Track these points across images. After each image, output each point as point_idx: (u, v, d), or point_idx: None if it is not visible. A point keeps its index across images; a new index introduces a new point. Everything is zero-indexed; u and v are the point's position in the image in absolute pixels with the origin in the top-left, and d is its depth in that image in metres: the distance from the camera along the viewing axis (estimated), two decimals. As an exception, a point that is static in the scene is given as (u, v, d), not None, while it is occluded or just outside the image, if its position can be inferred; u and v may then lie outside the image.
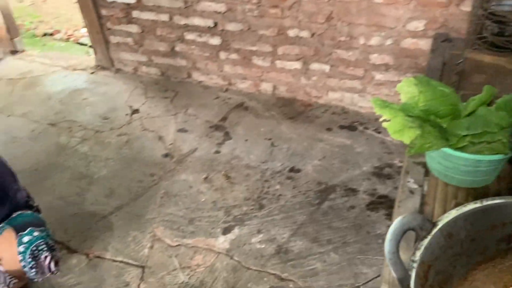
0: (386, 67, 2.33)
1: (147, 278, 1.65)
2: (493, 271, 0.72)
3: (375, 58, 2.32)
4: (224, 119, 2.59)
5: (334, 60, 2.45)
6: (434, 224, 0.70)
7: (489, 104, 1.11)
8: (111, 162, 2.29)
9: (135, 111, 2.73)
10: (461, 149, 1.03)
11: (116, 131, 2.54)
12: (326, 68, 2.50)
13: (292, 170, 2.16)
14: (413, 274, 0.63)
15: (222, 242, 1.78)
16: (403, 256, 0.68)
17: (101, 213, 1.97)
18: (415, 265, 0.65)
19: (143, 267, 1.69)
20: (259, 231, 1.81)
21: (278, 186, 2.06)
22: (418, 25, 2.10)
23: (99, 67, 3.25)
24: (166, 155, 2.31)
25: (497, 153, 1.01)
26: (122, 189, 2.10)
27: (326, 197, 1.96)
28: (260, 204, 1.94)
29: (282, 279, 1.61)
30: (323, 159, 2.21)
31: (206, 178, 2.14)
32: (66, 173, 2.22)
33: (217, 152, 2.32)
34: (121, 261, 1.73)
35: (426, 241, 0.68)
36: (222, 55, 2.74)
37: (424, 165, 1.28)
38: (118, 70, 3.19)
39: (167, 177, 2.16)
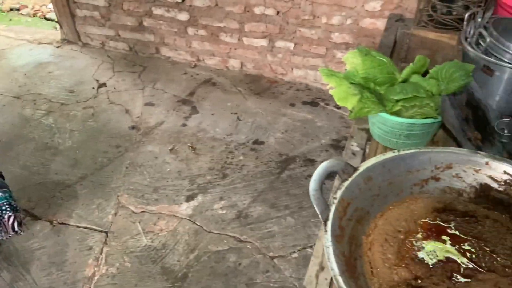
0: (346, 46, 2.42)
1: (110, 242, 1.71)
2: (407, 210, 0.82)
3: (336, 37, 2.41)
4: (191, 94, 2.64)
5: (298, 38, 2.53)
6: (355, 169, 0.80)
7: (425, 74, 1.22)
8: (76, 134, 2.31)
9: (102, 85, 2.74)
10: (396, 114, 1.13)
11: (82, 104, 2.56)
12: (291, 46, 2.57)
13: (255, 142, 2.25)
14: (333, 208, 0.73)
15: (185, 208, 1.85)
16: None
17: (65, 182, 2.00)
18: (335, 201, 0.74)
19: (106, 232, 1.75)
20: (221, 198, 1.89)
21: (241, 157, 2.14)
22: (375, 5, 2.20)
23: (66, 41, 3.22)
24: (132, 128, 2.35)
25: (427, 118, 1.12)
26: (87, 160, 2.14)
27: (286, 167, 2.06)
28: (223, 174, 2.02)
29: (241, 241, 1.70)
30: (285, 133, 2.30)
31: (172, 149, 2.20)
32: (30, 144, 2.24)
33: (184, 125, 2.38)
34: (85, 227, 1.78)
35: (347, 183, 0.77)
36: (190, 31, 2.78)
37: (367, 131, 1.38)
38: (85, 45, 3.17)
39: (133, 149, 2.21)
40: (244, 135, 2.28)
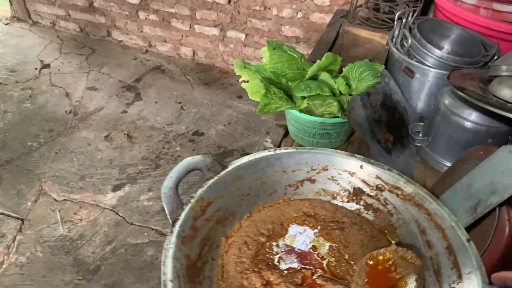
0: (296, 40, 2.38)
1: (24, 230, 1.63)
2: (276, 212, 0.78)
3: (287, 30, 2.37)
4: (138, 80, 2.56)
5: (249, 29, 2.47)
6: (224, 167, 0.75)
7: (341, 72, 1.19)
8: (9, 116, 2.21)
9: (46, 66, 2.63)
10: (309, 112, 1.09)
11: (21, 85, 2.44)
12: (242, 36, 2.52)
13: (195, 133, 2.19)
14: (187, 208, 0.68)
15: (110, 198, 1.79)
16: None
17: (-11, 165, 1.91)
18: (192, 200, 0.70)
19: (22, 220, 1.67)
20: (149, 189, 1.84)
21: (178, 148, 2.08)
22: (324, 0, 2.16)
23: (15, 19, 3.08)
24: (69, 112, 2.26)
25: (336, 117, 1.09)
26: (16, 143, 2.04)
27: (221, 160, 2.01)
28: (156, 164, 1.96)
29: (162, 234, 1.65)
30: (227, 125, 2.25)
31: (107, 136, 2.12)
32: (-43, 123, 2.13)
33: (124, 112, 2.30)
34: (1, 213, 1.70)
35: (211, 181, 0.73)
36: (142, 15, 2.68)
37: (285, 127, 1.35)
38: (35, 23, 3.04)
39: (66, 134, 2.12)
40: (185, 126, 2.22)
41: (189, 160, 0.73)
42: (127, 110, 2.31)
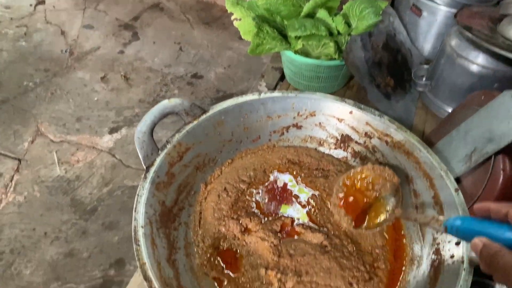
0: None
1: (22, 170, 1.64)
2: (260, 159, 0.75)
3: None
4: (135, 18, 2.45)
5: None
6: (204, 111, 0.71)
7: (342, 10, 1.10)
8: (4, 54, 2.15)
9: (41, 2, 2.52)
10: (304, 53, 1.02)
11: (16, 22, 2.36)
12: (244, -29, 2.36)
13: (194, 76, 2.12)
14: (162, 153, 0.65)
15: (106, 141, 1.77)
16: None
17: (-16, 105, 1.89)
18: (168, 145, 0.67)
19: (19, 160, 1.68)
20: (146, 132, 1.81)
21: (176, 91, 2.03)
22: None
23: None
24: (65, 51, 2.19)
25: (333, 59, 1.02)
26: (11, 83, 2.00)
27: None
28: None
29: (158, 178, 1.65)
30: (228, 68, 2.17)
31: (103, 77, 2.07)
32: (-49, 62, 2.08)
33: (121, 52, 2.22)
34: (-2, 153, 1.70)
35: (190, 126, 0.69)
36: None
37: (281, 70, 1.28)
38: (28, -45, 2.87)
39: (62, 74, 2.07)
40: (184, 68, 2.15)
41: (165, 103, 0.69)
42: (124, 50, 2.23)
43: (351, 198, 0.60)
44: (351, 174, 0.62)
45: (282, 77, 1.26)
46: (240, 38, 2.36)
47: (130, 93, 1.99)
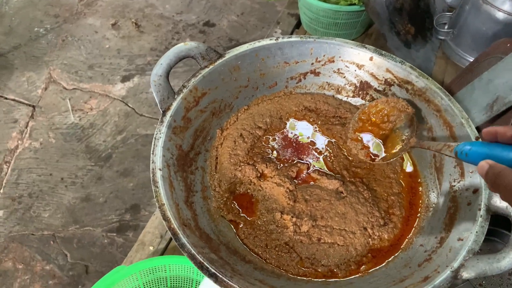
0: None
1: (36, 117, 1.65)
2: (276, 106, 0.74)
3: None
4: (145, -38, 2.36)
5: None
6: (220, 56, 0.70)
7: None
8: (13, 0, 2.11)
9: None
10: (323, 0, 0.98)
11: (23, -35, 2.29)
12: None
13: (206, 24, 2.07)
14: (178, 97, 0.65)
15: (119, 89, 1.77)
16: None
17: (-4, 51, 1.88)
18: (184, 90, 0.66)
19: (34, 107, 1.69)
20: (158, 81, 1.79)
21: (188, 39, 1.99)
22: None
23: None
24: (74, -4, 2.14)
25: (352, 4, 0.98)
26: (22, 29, 1.97)
27: (232, 53, 1.93)
28: (165, 55, 1.89)
29: (171, 127, 1.65)
30: (240, 15, 2.11)
31: (114, 24, 2.02)
32: (-39, 6, 2.05)
33: (132, -2, 2.16)
34: (12, 99, 1.71)
35: (206, 71, 0.68)
36: None
37: (297, 17, 1.24)
38: None
39: (72, 20, 2.03)
40: (195, 15, 2.09)
41: (181, 47, 0.67)
42: (134, -4, 2.17)
43: (367, 132, 0.62)
44: (366, 108, 0.63)
45: (298, 24, 1.22)
46: (254, -16, 2.26)
47: (141, 40, 1.96)
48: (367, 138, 0.62)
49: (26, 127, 1.62)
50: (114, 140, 1.60)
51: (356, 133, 0.63)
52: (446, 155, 0.47)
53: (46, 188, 1.46)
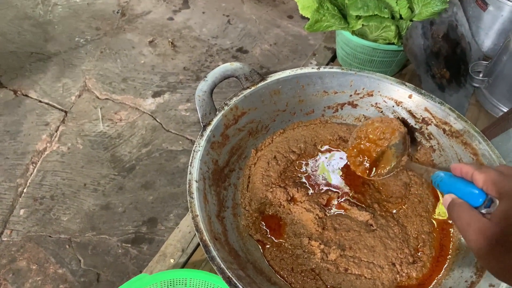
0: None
1: (67, 122, 1.70)
2: (311, 133, 0.75)
3: None
4: (187, -13, 2.46)
5: None
6: (263, 78, 0.72)
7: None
8: (59, 9, 2.21)
9: (97, -38, 2.56)
10: (361, 35, 1.01)
11: (72, -21, 2.41)
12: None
13: (239, 50, 2.13)
14: (219, 114, 0.66)
15: (149, 103, 1.81)
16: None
17: (37, 55, 1.96)
18: (226, 107, 0.68)
19: (66, 112, 1.74)
20: (188, 100, 1.84)
21: (220, 63, 2.04)
22: None
23: None
24: (117, 12, 2.23)
25: (390, 43, 1.00)
26: (64, 37, 2.06)
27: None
28: (197, 76, 1.94)
29: (195, 145, 1.68)
30: (273, 45, 2.16)
31: (151, 42, 2.10)
32: (11, 11, 2.15)
33: (171, 19, 2.24)
34: (46, 103, 1.77)
35: (248, 91, 0.70)
36: None
37: (333, 51, 1.27)
38: None
39: (112, 34, 2.11)
40: (230, 41, 2.16)
41: (227, 66, 0.69)
42: (173, 17, 2.25)
43: (365, 148, 0.68)
44: (363, 126, 0.69)
45: (333, 58, 1.25)
46: (289, 17, 2.33)
47: (175, 59, 2.02)
48: (364, 157, 0.68)
49: (56, 131, 1.67)
50: (139, 153, 1.63)
51: (355, 150, 0.68)
52: (424, 178, 0.55)
53: (69, 192, 1.48)
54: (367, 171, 0.67)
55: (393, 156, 0.66)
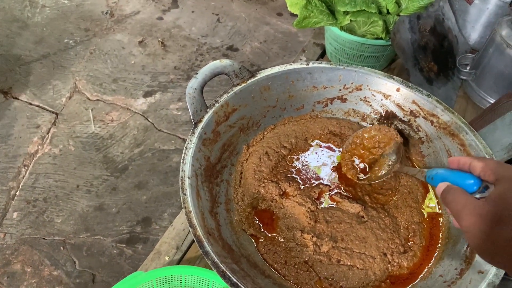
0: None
1: (58, 124, 1.69)
2: (301, 128, 0.76)
3: None
4: (176, -14, 2.46)
5: None
6: (252, 75, 0.72)
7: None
8: (47, 10, 2.19)
9: (84, -38, 2.54)
10: (349, 30, 1.02)
11: (59, -20, 2.39)
12: None
13: (230, 48, 2.13)
14: (210, 111, 0.67)
15: (140, 103, 1.81)
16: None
17: (26, 58, 1.94)
18: (216, 104, 0.68)
19: (57, 114, 1.73)
20: (179, 99, 1.84)
21: (211, 61, 2.03)
22: None
23: None
24: (106, 13, 2.22)
25: (378, 38, 1.01)
26: (53, 39, 2.05)
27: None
28: (188, 75, 1.94)
29: (188, 144, 1.68)
30: (263, 43, 2.17)
31: (141, 42, 2.09)
32: (-3, 14, 2.14)
33: (160, 18, 2.24)
34: (37, 105, 1.76)
35: (238, 88, 0.71)
36: None
37: (322, 47, 1.28)
38: None
39: (101, 35, 2.10)
40: (220, 39, 2.16)
41: (217, 63, 0.70)
42: (162, 16, 2.25)
43: (358, 154, 0.69)
44: (360, 133, 0.69)
45: (323, 54, 1.26)
46: (279, 14, 2.34)
47: (166, 59, 2.01)
48: (357, 161, 0.69)
49: (48, 133, 1.66)
50: (132, 153, 1.62)
51: (349, 154, 0.69)
52: (419, 179, 0.55)
53: (62, 194, 1.48)
54: (358, 175, 0.68)
55: (385, 164, 0.67)
